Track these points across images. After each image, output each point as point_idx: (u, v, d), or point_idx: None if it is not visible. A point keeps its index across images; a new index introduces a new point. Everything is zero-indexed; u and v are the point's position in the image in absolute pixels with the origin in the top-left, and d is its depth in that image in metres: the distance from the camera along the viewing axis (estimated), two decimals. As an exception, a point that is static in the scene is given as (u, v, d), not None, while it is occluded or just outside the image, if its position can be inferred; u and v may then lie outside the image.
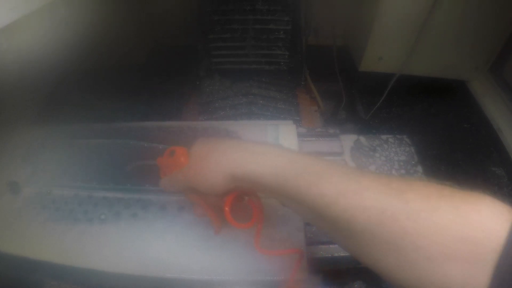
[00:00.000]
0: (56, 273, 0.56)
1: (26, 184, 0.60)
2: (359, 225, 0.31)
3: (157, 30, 0.98)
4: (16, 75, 0.57)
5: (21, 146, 0.66)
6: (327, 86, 1.02)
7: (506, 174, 0.85)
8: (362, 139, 0.70)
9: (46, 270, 0.55)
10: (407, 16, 0.84)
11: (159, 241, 0.53)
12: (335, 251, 0.54)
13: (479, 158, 0.90)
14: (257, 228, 0.45)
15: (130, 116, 0.96)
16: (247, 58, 0.91)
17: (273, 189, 0.37)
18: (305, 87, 0.99)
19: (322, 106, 0.95)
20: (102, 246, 0.53)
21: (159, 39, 1.01)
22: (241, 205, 0.45)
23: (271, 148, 0.39)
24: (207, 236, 0.53)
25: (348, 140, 0.70)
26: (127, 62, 0.94)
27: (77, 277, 0.55)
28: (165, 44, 1.04)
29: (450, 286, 0.28)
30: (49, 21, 0.59)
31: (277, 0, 0.82)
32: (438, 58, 0.93)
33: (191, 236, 0.53)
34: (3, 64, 0.53)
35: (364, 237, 0.31)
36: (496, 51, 0.91)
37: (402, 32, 0.88)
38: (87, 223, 0.55)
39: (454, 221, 0.28)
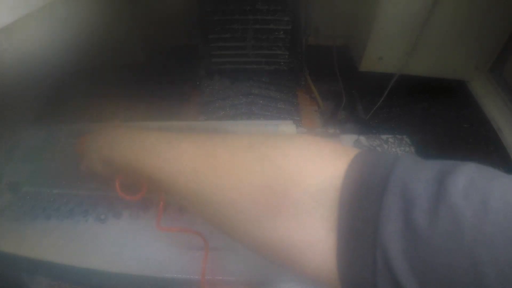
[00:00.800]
0: (56, 273, 0.56)
1: (26, 184, 0.60)
2: (182, 188, 0.31)
3: (157, 30, 0.98)
4: (16, 75, 0.57)
5: (21, 146, 0.66)
6: (327, 86, 1.02)
7: (506, 174, 0.85)
8: (362, 139, 0.70)
9: (46, 270, 0.55)
10: (407, 16, 0.84)
11: (159, 241, 0.53)
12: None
13: (479, 158, 0.90)
14: (159, 206, 0.45)
15: (130, 116, 0.95)
16: (247, 58, 0.91)
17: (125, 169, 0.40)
18: (305, 87, 0.99)
19: (322, 106, 0.95)
20: (102, 246, 0.53)
21: (159, 39, 1.01)
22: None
23: (128, 131, 0.42)
24: (207, 236, 0.53)
25: (348, 140, 0.70)
26: (127, 62, 0.94)
27: (77, 277, 0.55)
28: (165, 44, 1.04)
29: (281, 242, 0.24)
30: (49, 21, 0.59)
31: (277, 0, 0.82)
32: (438, 58, 0.93)
33: (191, 236, 0.53)
34: (3, 64, 0.53)
35: (190, 198, 0.31)
36: (496, 51, 0.91)
37: (402, 32, 0.88)
38: (87, 223, 0.55)
39: (259, 171, 0.25)
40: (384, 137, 0.71)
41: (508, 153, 0.84)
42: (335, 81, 0.99)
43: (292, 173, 0.24)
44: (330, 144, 0.25)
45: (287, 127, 0.68)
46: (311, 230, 0.22)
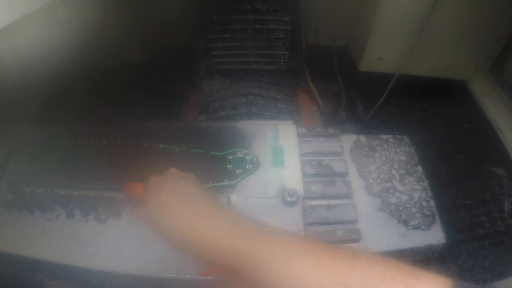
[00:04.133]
0: (56, 273, 0.56)
1: (26, 184, 0.60)
2: None
3: (157, 30, 0.98)
4: (16, 75, 0.57)
5: (21, 146, 0.66)
6: (327, 86, 1.02)
7: (506, 174, 0.85)
8: (362, 139, 0.70)
9: (46, 270, 0.55)
10: (407, 16, 0.84)
11: (159, 241, 0.53)
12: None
13: (479, 158, 0.90)
14: None
15: (130, 116, 0.96)
16: (247, 58, 0.91)
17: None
18: (305, 87, 0.99)
19: (322, 106, 0.95)
20: (102, 246, 0.53)
21: (159, 39, 1.01)
22: None
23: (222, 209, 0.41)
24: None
25: (348, 140, 0.70)
26: (127, 62, 0.94)
27: (77, 277, 0.55)
28: (165, 44, 1.04)
29: None
30: (49, 21, 0.59)
31: (277, 0, 0.82)
32: (438, 58, 0.93)
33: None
34: (3, 64, 0.53)
35: None
36: (496, 51, 0.91)
37: (402, 32, 0.88)
38: (87, 223, 0.55)
39: None
40: (384, 137, 0.71)
41: (508, 153, 0.84)
42: (335, 81, 0.99)
43: None
44: (444, 279, 0.28)
45: (287, 127, 0.68)
46: None
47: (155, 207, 0.44)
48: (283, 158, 0.63)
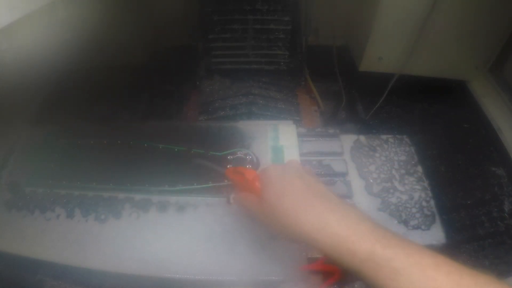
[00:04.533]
0: (56, 273, 0.56)
1: (26, 184, 0.60)
2: None
3: (157, 30, 0.98)
4: (16, 75, 0.57)
5: (21, 146, 0.66)
6: (327, 86, 1.02)
7: (506, 174, 0.85)
8: (362, 139, 0.70)
9: (46, 270, 0.55)
10: (407, 16, 0.84)
11: (159, 241, 0.53)
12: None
13: (479, 158, 0.90)
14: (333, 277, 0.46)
15: (130, 116, 0.96)
16: (247, 58, 0.91)
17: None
18: (305, 87, 0.99)
19: (322, 106, 0.95)
20: (102, 246, 0.53)
21: (159, 39, 1.01)
22: None
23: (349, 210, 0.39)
24: (207, 236, 0.53)
25: (348, 140, 0.70)
26: (127, 62, 0.94)
27: (77, 277, 0.55)
28: (165, 44, 1.04)
29: None
30: (49, 21, 0.59)
31: (277, 0, 0.82)
32: (438, 58, 0.93)
33: (191, 236, 0.53)
34: (3, 64, 0.53)
35: None
36: (496, 51, 0.91)
37: (402, 32, 0.88)
38: (87, 223, 0.55)
39: None
40: (384, 137, 0.71)
41: (508, 153, 0.84)
42: (335, 81, 0.99)
43: None
44: None
45: (287, 127, 0.68)
46: None
47: (276, 197, 0.41)
48: (283, 158, 0.63)
